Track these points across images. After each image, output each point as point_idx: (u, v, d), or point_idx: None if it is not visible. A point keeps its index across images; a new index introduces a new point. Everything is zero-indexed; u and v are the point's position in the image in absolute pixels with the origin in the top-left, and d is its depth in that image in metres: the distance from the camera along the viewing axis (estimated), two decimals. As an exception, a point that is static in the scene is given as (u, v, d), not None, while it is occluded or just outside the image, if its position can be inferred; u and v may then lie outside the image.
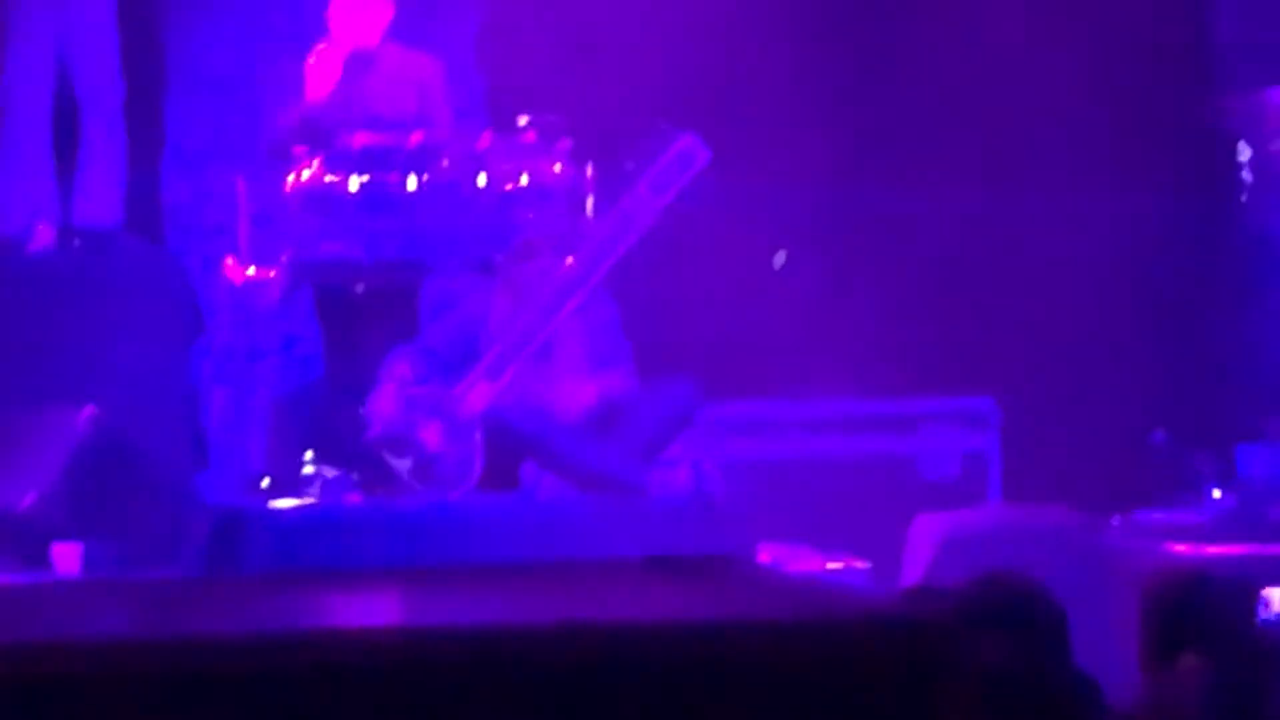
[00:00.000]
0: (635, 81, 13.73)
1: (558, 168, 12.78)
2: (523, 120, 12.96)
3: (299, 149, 12.77)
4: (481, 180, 12.78)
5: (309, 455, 12.73)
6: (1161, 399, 14.16)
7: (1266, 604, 10.36)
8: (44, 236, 13.90)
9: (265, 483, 12.73)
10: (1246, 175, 14.91)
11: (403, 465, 12.62)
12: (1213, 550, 11.74)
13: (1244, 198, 14.88)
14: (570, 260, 12.77)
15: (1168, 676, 7.81)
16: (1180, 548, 11.82)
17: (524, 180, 12.78)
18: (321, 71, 13.20)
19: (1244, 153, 14.79)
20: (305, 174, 12.79)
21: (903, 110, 14.38)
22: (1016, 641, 7.24)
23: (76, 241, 13.98)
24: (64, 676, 3.45)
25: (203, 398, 13.67)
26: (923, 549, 11.93)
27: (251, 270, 13.23)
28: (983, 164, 14.29)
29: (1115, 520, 12.76)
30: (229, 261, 13.41)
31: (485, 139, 13.00)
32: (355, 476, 12.59)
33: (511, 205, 12.78)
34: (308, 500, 12.50)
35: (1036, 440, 13.57)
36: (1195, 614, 7.97)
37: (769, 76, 14.06)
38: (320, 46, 13.47)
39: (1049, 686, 7.24)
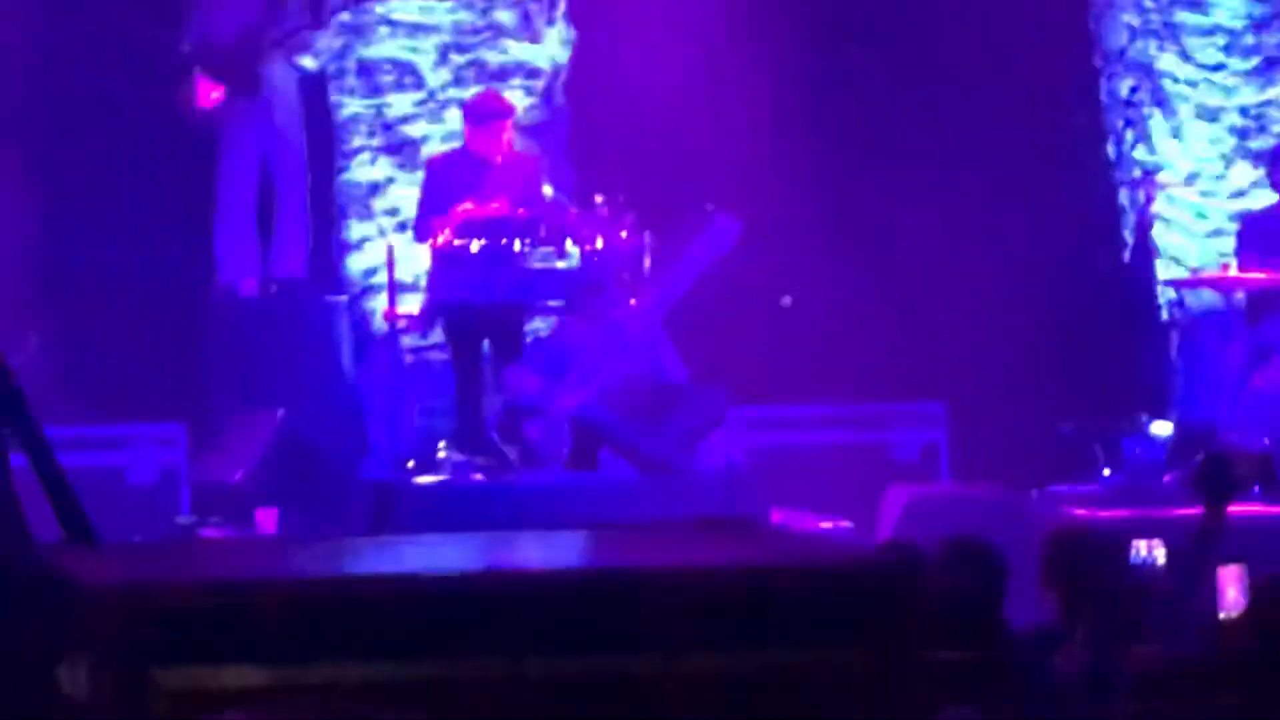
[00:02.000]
0: (679, 170, 13.69)
1: (624, 235, 12.82)
2: (599, 199, 13.01)
3: (439, 224, 12.88)
4: (569, 244, 12.83)
5: (443, 444, 12.80)
6: (1069, 402, 14.07)
7: (1136, 550, 10.35)
8: (250, 284, 13.95)
9: (411, 465, 12.76)
10: (1128, 231, 14.85)
11: (511, 451, 12.70)
12: (1103, 514, 11.71)
13: (1128, 250, 14.81)
14: (634, 302, 12.85)
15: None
16: (1080, 512, 11.79)
17: (599, 244, 12.81)
18: (455, 171, 13.32)
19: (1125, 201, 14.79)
20: (441, 239, 12.88)
21: (877, 182, 14.31)
22: (978, 582, 7.28)
23: (273, 288, 14.02)
24: (264, 605, 3.45)
25: (365, 402, 13.64)
26: (891, 513, 11.91)
27: (399, 309, 13.33)
28: (939, 224, 14.20)
29: (1034, 493, 12.73)
30: (383, 305, 13.52)
31: (571, 214, 13.04)
32: (481, 459, 12.65)
33: (590, 262, 12.82)
34: (442, 477, 12.56)
35: (976, 432, 13.50)
36: (1087, 561, 8.01)
37: (769, 162, 13.98)
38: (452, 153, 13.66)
39: (993, 615, 7.27)
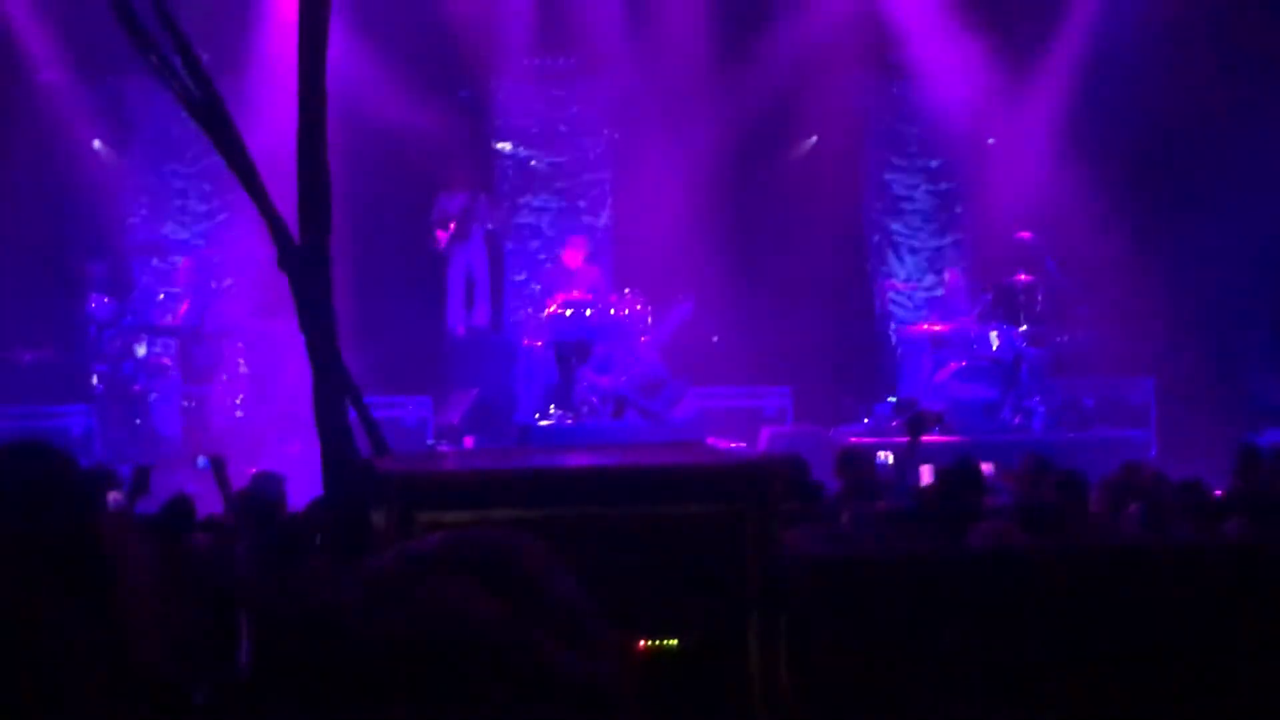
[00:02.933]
0: (667, 273, 13.64)
1: (639, 307, 12.80)
2: (626, 290, 13.01)
3: (550, 301, 12.90)
4: (612, 311, 12.82)
5: (552, 406, 12.81)
6: (851, 386, 14.02)
7: (880, 457, 10.30)
8: (461, 330, 13.93)
9: (538, 416, 12.77)
10: (878, 303, 14.76)
11: (583, 409, 12.71)
12: (864, 441, 11.68)
13: (878, 314, 14.73)
14: (643, 339, 12.84)
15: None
16: (853, 439, 11.77)
17: (626, 311, 12.81)
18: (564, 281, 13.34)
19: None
20: (552, 309, 12.87)
21: (765, 273, 14.24)
22: (800, 474, 7.23)
23: (473, 332, 14.02)
24: (467, 481, 3.43)
25: (515, 385, 13.61)
26: (763, 440, 11.91)
27: (534, 340, 13.31)
28: (791, 303, 14.12)
29: (833, 430, 12.72)
30: (526, 338, 13.51)
31: (613, 297, 13.05)
32: (570, 414, 12.64)
33: (624, 318, 12.82)
34: (551, 422, 12.56)
35: (805, 401, 13.43)
36: (856, 462, 7.91)
37: (708, 265, 13.95)
38: (557, 267, 13.64)
39: (809, 488, 7.18)
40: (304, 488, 7.32)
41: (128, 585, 1.39)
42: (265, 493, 7.04)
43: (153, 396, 12.88)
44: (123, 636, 1.27)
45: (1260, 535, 5.48)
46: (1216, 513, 5.97)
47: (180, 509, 6.42)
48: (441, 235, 13.91)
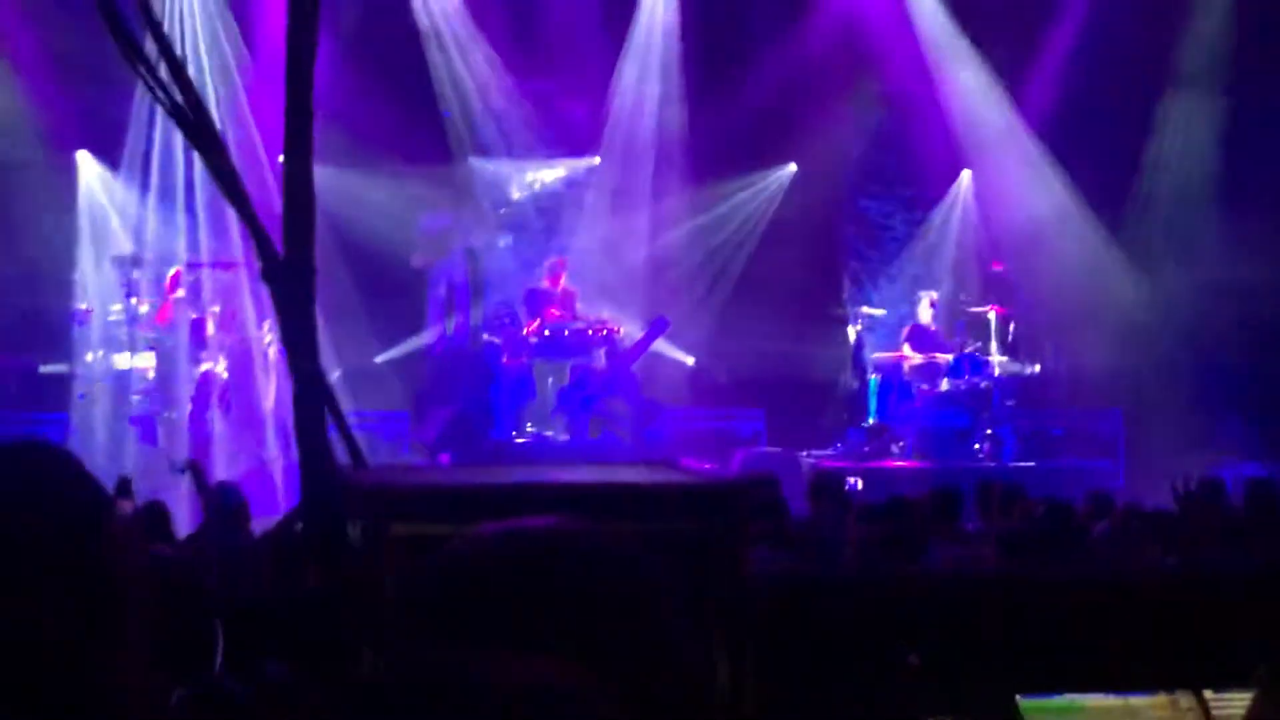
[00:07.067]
0: (647, 294, 13.66)
1: (616, 329, 12.82)
2: (605, 313, 13.02)
3: (530, 321, 12.88)
4: (589, 332, 12.84)
5: (529, 424, 12.78)
6: (823, 411, 14.05)
7: (849, 482, 10.31)
8: (440, 346, 13.86)
9: (515, 434, 12.74)
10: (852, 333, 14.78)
11: (559, 427, 12.70)
12: (835, 465, 11.68)
13: (853, 344, 14.72)
14: (621, 360, 12.84)
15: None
16: (826, 464, 11.76)
17: (604, 331, 12.83)
18: (539, 297, 13.33)
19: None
20: (532, 327, 12.86)
21: (740, 311, 14.24)
22: (769, 496, 7.22)
23: (452, 349, 13.95)
24: (441, 495, 3.40)
25: (493, 402, 13.54)
26: (735, 463, 11.92)
27: (515, 360, 13.30)
28: (767, 335, 14.10)
29: (804, 453, 12.74)
30: (505, 356, 13.46)
31: (590, 317, 13.07)
32: (546, 432, 12.64)
33: (601, 339, 12.82)
34: (527, 439, 12.54)
35: (778, 423, 13.43)
36: (827, 484, 7.92)
37: (682, 293, 13.94)
38: (537, 288, 13.63)
39: (780, 510, 7.20)
40: (282, 497, 7.31)
41: (129, 594, 1.33)
42: (228, 501, 7.03)
43: (133, 405, 12.82)
44: (118, 645, 1.22)
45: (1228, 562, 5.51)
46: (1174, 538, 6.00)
47: (155, 515, 6.39)
48: (422, 252, 13.89)
